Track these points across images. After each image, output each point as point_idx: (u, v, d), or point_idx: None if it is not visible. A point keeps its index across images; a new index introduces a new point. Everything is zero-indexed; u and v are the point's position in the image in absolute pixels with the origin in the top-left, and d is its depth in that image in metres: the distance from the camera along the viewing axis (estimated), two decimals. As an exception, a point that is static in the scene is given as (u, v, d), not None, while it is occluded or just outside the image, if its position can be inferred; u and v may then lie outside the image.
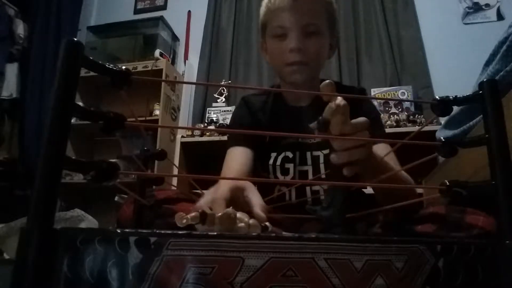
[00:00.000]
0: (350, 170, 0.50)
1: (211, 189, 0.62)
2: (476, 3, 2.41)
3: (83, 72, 0.36)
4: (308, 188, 0.86)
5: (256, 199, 0.53)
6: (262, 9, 0.90)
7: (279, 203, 0.80)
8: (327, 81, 0.48)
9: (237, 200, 0.53)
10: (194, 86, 2.73)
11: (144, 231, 0.32)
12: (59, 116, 0.33)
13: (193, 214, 0.41)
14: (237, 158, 0.85)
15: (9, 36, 2.58)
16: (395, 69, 2.37)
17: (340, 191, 0.51)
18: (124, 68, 0.38)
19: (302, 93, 0.90)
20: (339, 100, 0.47)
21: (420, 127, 1.87)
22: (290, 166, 0.87)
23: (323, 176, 0.81)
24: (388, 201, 0.58)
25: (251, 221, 0.44)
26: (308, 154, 0.86)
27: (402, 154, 0.82)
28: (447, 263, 0.33)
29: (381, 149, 0.83)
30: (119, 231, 0.32)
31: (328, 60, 0.94)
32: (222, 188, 0.56)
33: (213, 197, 0.54)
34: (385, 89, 2.24)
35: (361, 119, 0.50)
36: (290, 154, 0.87)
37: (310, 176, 0.85)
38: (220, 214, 0.42)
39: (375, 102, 2.16)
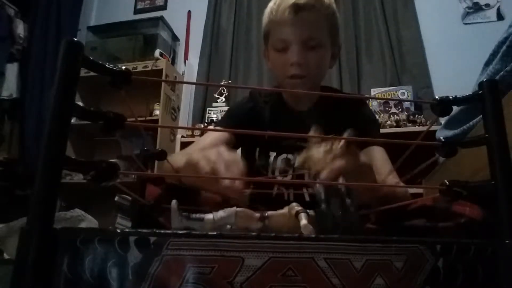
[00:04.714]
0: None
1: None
2: (476, 3, 2.41)
3: (83, 72, 0.36)
4: (305, 190, 0.86)
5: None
6: (265, 18, 0.89)
7: (277, 202, 0.80)
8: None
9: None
10: (194, 86, 2.73)
11: (144, 230, 0.32)
12: (59, 116, 0.33)
13: None
14: (213, 136, 0.87)
15: (9, 36, 2.58)
16: (395, 69, 2.37)
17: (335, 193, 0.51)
18: (124, 68, 0.38)
19: (303, 96, 0.93)
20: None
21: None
22: (290, 168, 0.88)
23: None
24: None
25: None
26: None
27: (402, 154, 0.82)
28: (447, 263, 0.33)
29: (376, 152, 0.83)
30: (119, 231, 0.33)
31: (329, 69, 0.96)
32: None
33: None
34: (385, 89, 2.24)
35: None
36: (291, 156, 0.88)
37: (306, 178, 0.85)
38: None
39: (375, 102, 2.17)
